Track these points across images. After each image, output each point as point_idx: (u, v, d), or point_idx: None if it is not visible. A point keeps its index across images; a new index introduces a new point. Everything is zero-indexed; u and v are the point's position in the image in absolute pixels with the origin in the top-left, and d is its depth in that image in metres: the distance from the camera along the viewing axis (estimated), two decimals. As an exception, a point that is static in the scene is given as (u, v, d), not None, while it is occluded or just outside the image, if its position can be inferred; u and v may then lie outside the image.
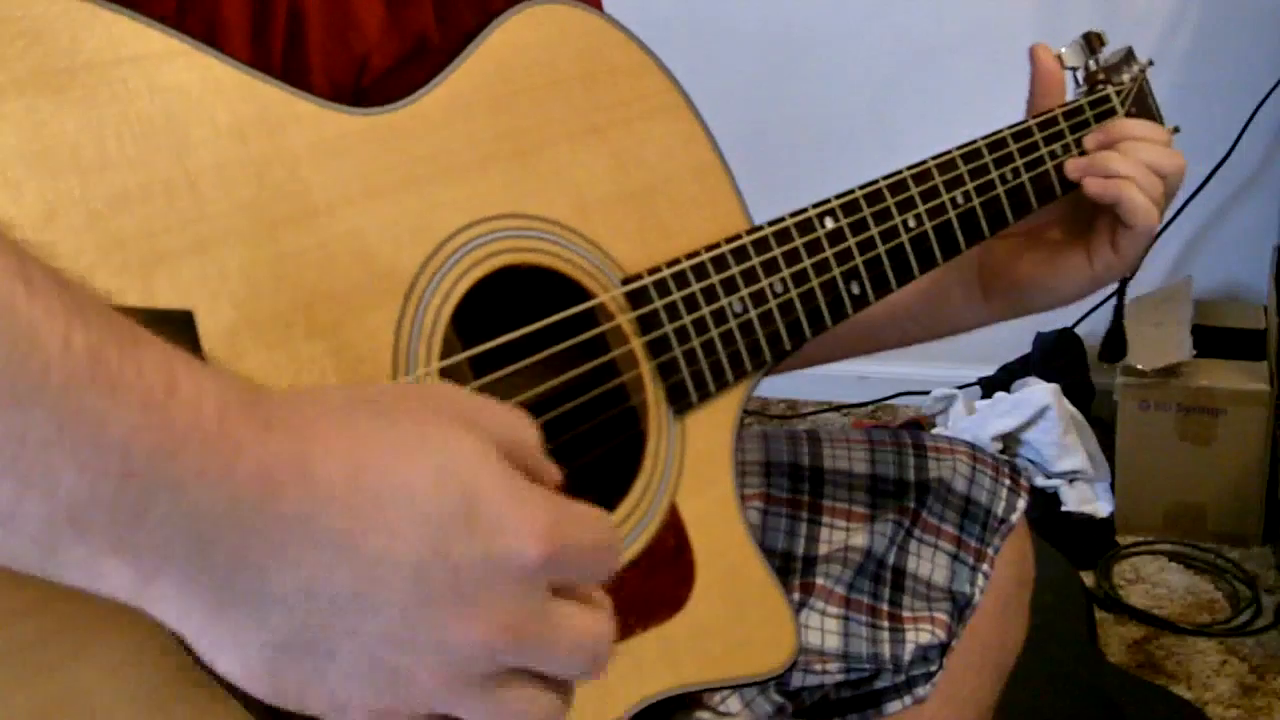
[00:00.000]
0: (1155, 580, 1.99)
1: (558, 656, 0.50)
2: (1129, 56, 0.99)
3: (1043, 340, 2.32)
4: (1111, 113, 0.96)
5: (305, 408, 0.48)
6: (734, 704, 0.87)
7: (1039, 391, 2.14)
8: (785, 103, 2.43)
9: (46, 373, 0.41)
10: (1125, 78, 0.98)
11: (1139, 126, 0.93)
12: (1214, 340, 2.07)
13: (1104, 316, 2.32)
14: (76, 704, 0.51)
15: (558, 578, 0.50)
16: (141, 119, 0.56)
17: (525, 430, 0.53)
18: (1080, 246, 0.92)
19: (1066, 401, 2.14)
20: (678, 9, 2.38)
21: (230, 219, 0.58)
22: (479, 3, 0.78)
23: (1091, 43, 0.96)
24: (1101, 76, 0.97)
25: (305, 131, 0.62)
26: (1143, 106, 0.98)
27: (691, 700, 0.83)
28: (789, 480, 0.96)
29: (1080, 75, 0.96)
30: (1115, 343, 1.13)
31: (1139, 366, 2.01)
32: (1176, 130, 0.98)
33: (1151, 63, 0.99)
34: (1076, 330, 2.32)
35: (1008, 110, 0.95)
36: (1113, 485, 2.10)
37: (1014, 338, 2.34)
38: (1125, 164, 0.90)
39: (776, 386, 2.56)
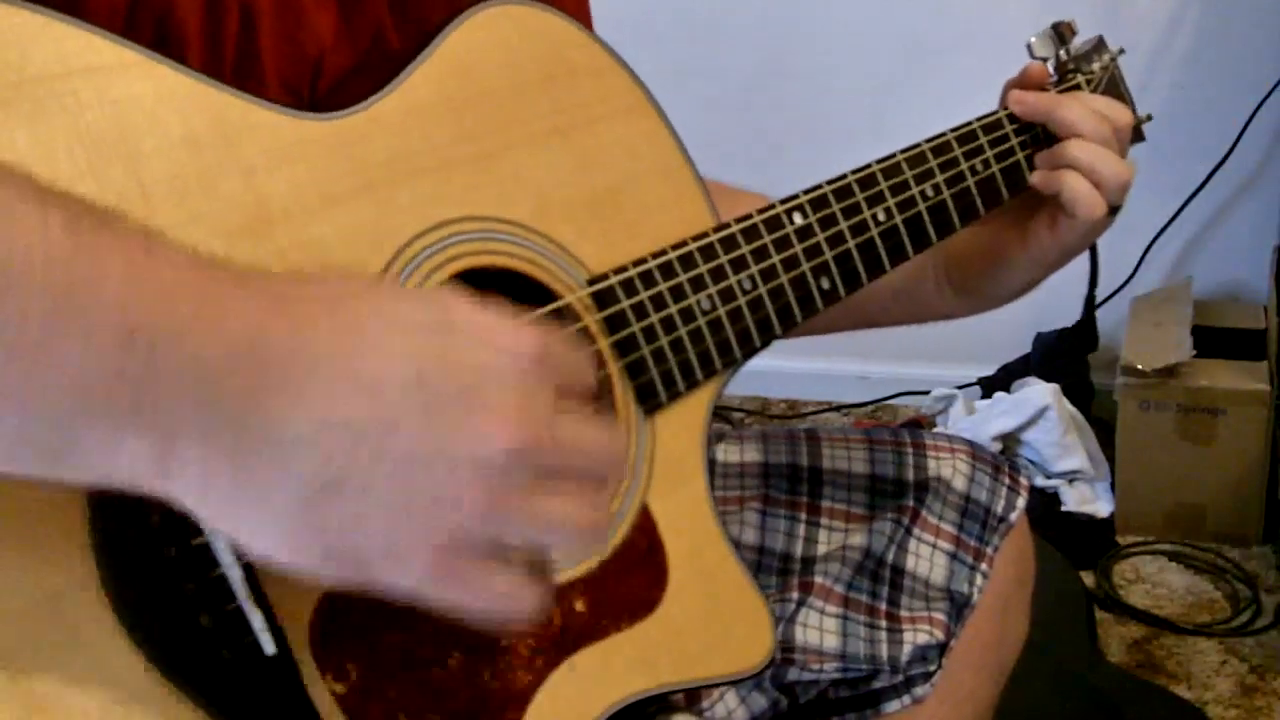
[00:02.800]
0: (1155, 580, 1.99)
1: (581, 456, 0.51)
2: (1100, 45, 0.99)
3: (1043, 340, 2.32)
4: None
5: (265, 272, 0.50)
6: (731, 700, 0.87)
7: (1039, 391, 2.14)
8: (784, 103, 2.43)
9: (30, 251, 0.43)
10: (1095, 66, 0.97)
11: (1076, 109, 0.89)
12: (1214, 340, 2.07)
13: (1104, 316, 2.33)
14: (44, 712, 0.51)
15: (557, 384, 0.51)
16: (92, 131, 0.56)
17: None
18: (1019, 234, 0.91)
19: (1066, 401, 2.14)
20: (677, 9, 2.38)
21: (184, 231, 0.57)
22: (442, 1, 0.76)
23: (1061, 32, 0.95)
24: (1071, 66, 0.97)
25: (260, 139, 0.61)
26: (1114, 95, 0.97)
27: (670, 701, 0.82)
28: (788, 482, 0.96)
29: (1051, 65, 0.96)
30: (1085, 334, 1.14)
31: (1139, 366, 2.01)
32: (1148, 119, 0.97)
33: (1122, 50, 0.99)
34: (1076, 330, 2.32)
35: (1007, 110, 0.95)
36: (1113, 485, 2.10)
37: (1014, 338, 2.34)
38: (1076, 151, 0.88)
39: (777, 386, 2.56)
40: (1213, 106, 2.17)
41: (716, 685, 0.83)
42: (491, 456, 0.48)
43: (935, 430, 2.25)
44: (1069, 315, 2.29)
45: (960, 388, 2.36)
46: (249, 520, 0.47)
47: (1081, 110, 0.89)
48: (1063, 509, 2.07)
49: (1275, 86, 2.14)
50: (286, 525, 0.46)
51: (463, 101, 0.70)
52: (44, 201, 0.44)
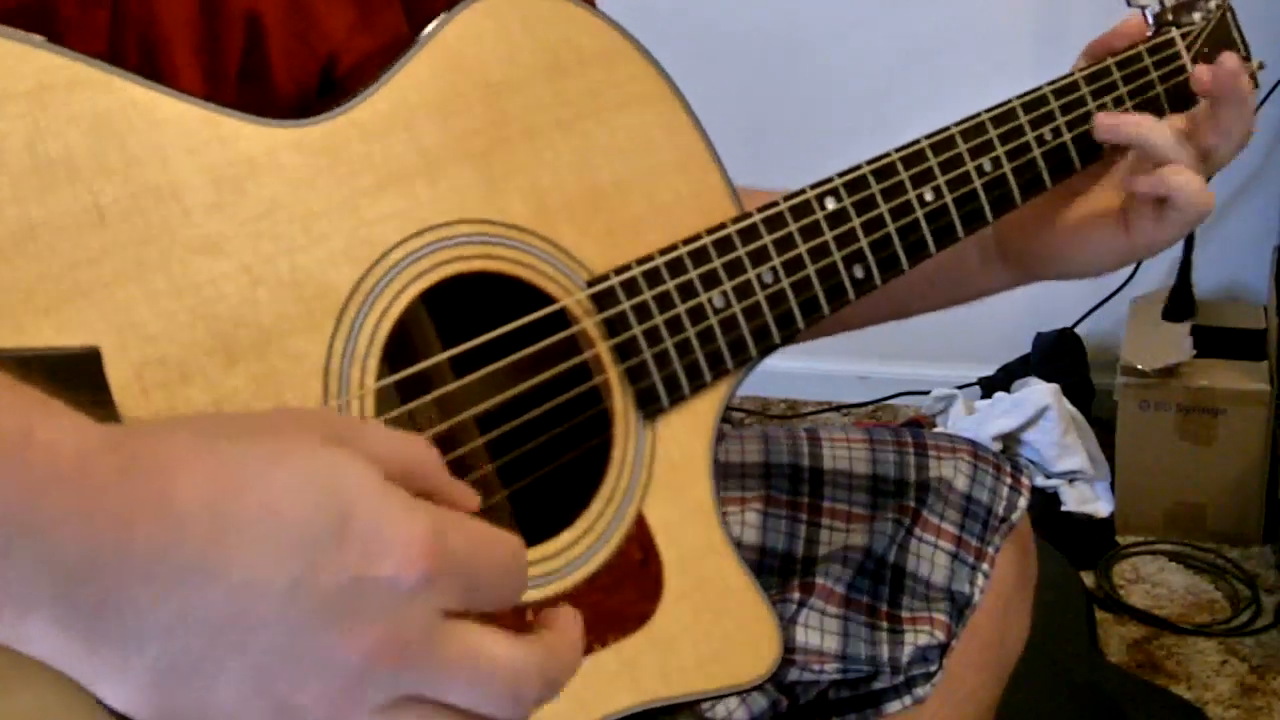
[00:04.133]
0: (1155, 580, 1.99)
1: (456, 683, 0.48)
2: None
3: (1043, 340, 2.32)
4: (1175, 58, 0.88)
5: (168, 439, 0.47)
6: (731, 700, 0.87)
7: (1039, 391, 2.14)
8: (784, 103, 2.43)
9: None
10: (1197, 15, 0.90)
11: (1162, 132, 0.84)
12: (1214, 340, 2.07)
13: (1104, 317, 2.33)
14: None
15: (452, 601, 0.48)
16: (45, 152, 0.54)
17: (420, 450, 0.50)
18: (1119, 217, 0.87)
19: (1066, 401, 2.14)
20: (676, 8, 2.38)
21: (142, 249, 0.56)
22: None
23: None
24: (1169, 18, 0.89)
25: (227, 151, 0.59)
26: (1222, 41, 0.89)
27: (669, 712, 0.82)
28: (789, 482, 0.95)
29: (1150, 14, 0.88)
30: (1182, 300, 1.07)
31: (1139, 366, 2.01)
32: (1261, 66, 0.90)
33: None
34: (1076, 330, 2.32)
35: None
36: (1113, 485, 2.10)
37: (1014, 338, 2.34)
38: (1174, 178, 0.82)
39: (777, 386, 2.56)
40: (1213, 106, 2.16)
41: (716, 698, 0.81)
42: (341, 668, 0.46)
43: (936, 430, 2.25)
44: (1069, 315, 2.29)
45: (960, 388, 2.36)
46: (98, 686, 0.46)
47: (1165, 134, 0.84)
48: (1063, 509, 2.07)
49: (1275, 86, 2.14)
50: (133, 696, 0.46)
51: (455, 98, 0.67)
52: None
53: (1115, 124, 0.84)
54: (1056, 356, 2.28)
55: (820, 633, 0.89)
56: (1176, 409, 2.01)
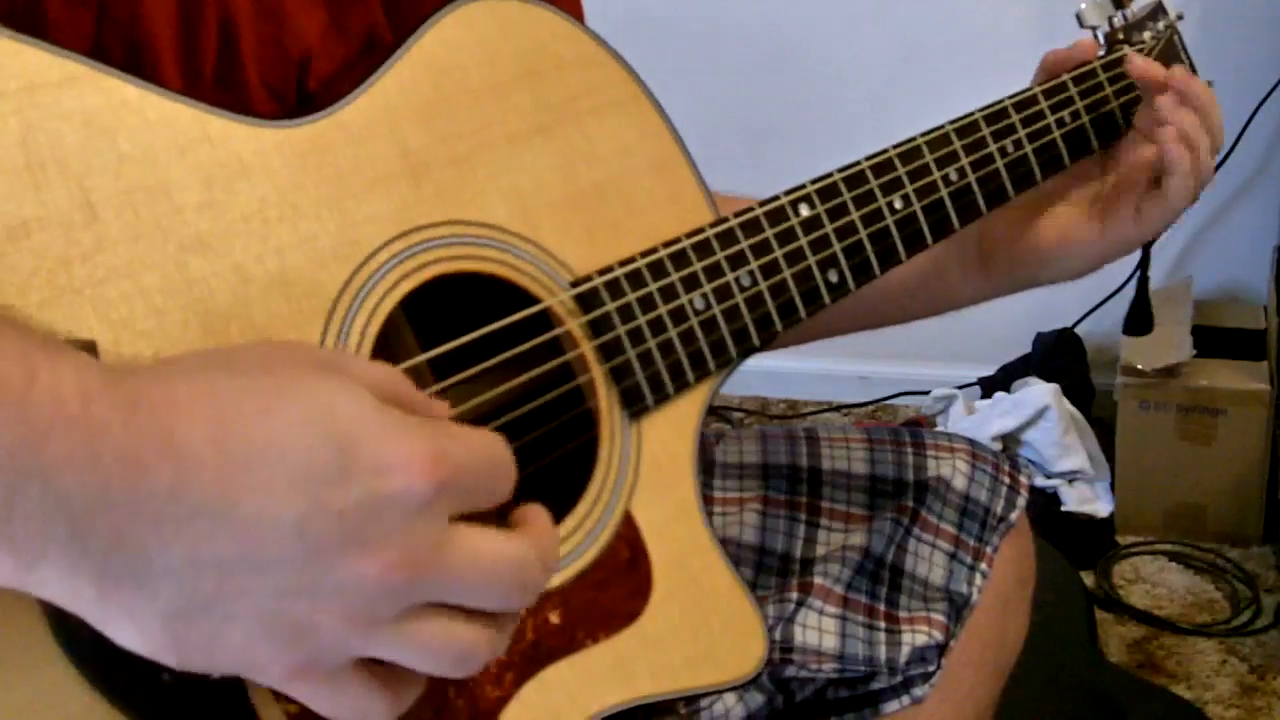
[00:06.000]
0: (1155, 580, 1.99)
1: (469, 584, 0.49)
2: (1156, 10, 0.93)
3: (1043, 340, 2.32)
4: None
5: (167, 380, 0.48)
6: (729, 698, 0.87)
7: (1039, 391, 2.14)
8: (784, 103, 2.43)
9: None
10: (1147, 35, 0.93)
11: (1195, 84, 0.86)
12: (1214, 340, 2.07)
13: (1104, 317, 2.33)
14: None
15: (455, 506, 0.49)
16: (37, 149, 0.54)
17: (394, 372, 0.52)
18: (1093, 215, 0.89)
19: (1066, 401, 2.14)
20: (676, 9, 2.38)
21: (134, 247, 0.56)
22: None
23: None
24: (1120, 36, 0.92)
25: (217, 150, 0.60)
26: (1171, 63, 0.92)
27: (660, 708, 0.82)
28: (787, 482, 0.95)
29: (1102, 34, 0.92)
30: (1141, 316, 1.10)
31: (1139, 366, 2.01)
32: (1210, 85, 0.92)
33: (1181, 16, 0.94)
34: (1076, 330, 2.32)
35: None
36: (1113, 485, 2.10)
37: (1014, 338, 2.34)
38: (1186, 118, 0.85)
39: (777, 386, 2.56)
40: (1213, 106, 2.17)
41: (703, 695, 0.81)
42: (357, 588, 0.47)
43: (935, 430, 2.25)
44: (1069, 315, 2.29)
45: (960, 388, 2.36)
46: (109, 627, 0.47)
47: (1197, 85, 0.86)
48: (1063, 509, 2.07)
49: (1275, 86, 2.14)
50: (145, 637, 0.46)
51: (437, 102, 0.68)
52: None
53: (1146, 65, 0.87)
54: (1056, 356, 2.28)
55: (818, 632, 0.89)
56: (1176, 409, 2.01)
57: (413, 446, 0.48)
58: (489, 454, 0.51)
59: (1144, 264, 1.01)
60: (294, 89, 0.70)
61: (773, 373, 2.50)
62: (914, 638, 0.89)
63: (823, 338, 0.95)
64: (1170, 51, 0.94)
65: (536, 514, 0.54)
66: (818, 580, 0.91)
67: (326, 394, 0.48)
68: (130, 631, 0.46)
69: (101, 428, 0.44)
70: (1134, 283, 2.41)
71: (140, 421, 0.45)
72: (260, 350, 0.54)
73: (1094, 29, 0.91)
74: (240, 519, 0.46)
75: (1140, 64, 0.88)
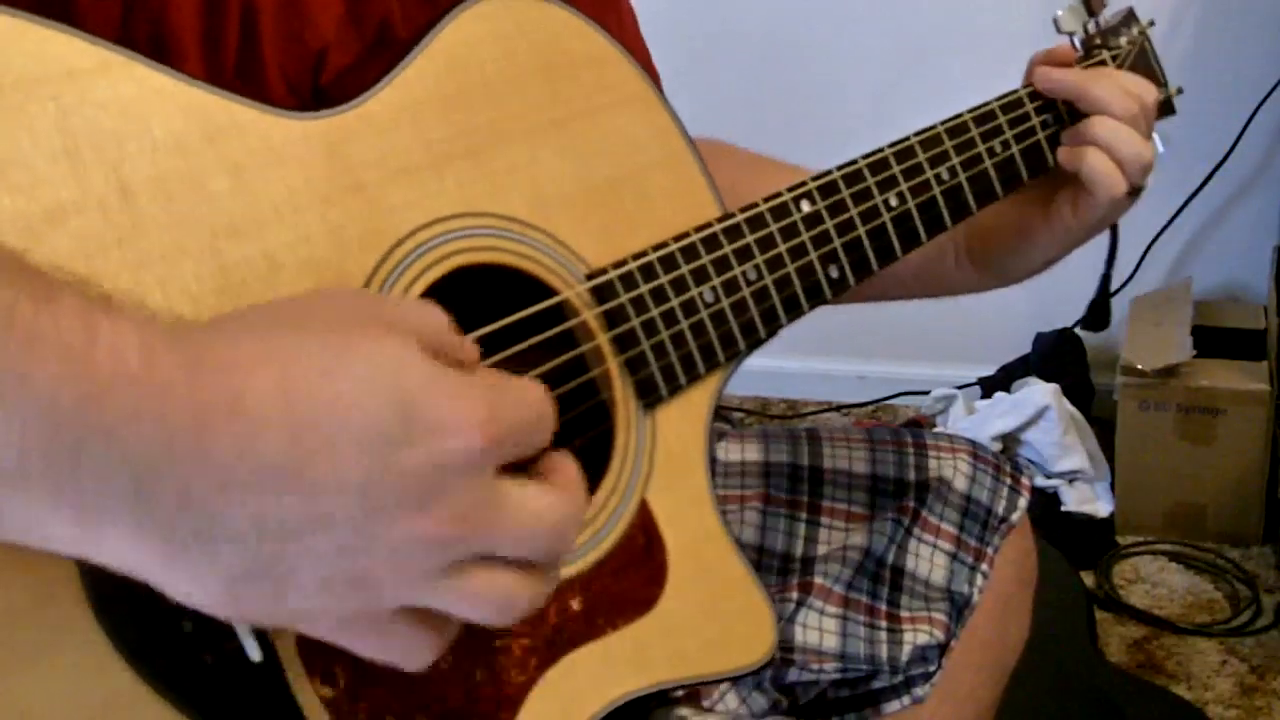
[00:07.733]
0: (1155, 580, 1.99)
1: (512, 535, 0.50)
2: (1129, 18, 0.96)
3: (1042, 340, 2.32)
4: None
5: (230, 338, 0.48)
6: (731, 700, 0.87)
7: (1039, 391, 2.14)
8: (784, 103, 2.43)
9: None
10: (1123, 41, 0.96)
11: (1105, 85, 0.89)
12: (1214, 340, 2.07)
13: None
14: (25, 717, 0.51)
15: (504, 458, 0.50)
16: (74, 135, 0.55)
17: (434, 315, 0.53)
18: (1043, 211, 0.91)
19: (1066, 401, 2.14)
20: (677, 9, 2.38)
21: (169, 233, 0.57)
22: None
23: (1090, 5, 0.93)
24: (1098, 42, 0.95)
25: (247, 139, 0.61)
26: (1144, 69, 0.95)
27: (671, 698, 0.82)
28: (788, 481, 0.96)
29: (1078, 40, 0.94)
30: (1099, 312, 1.12)
31: (1139, 366, 2.01)
32: (1179, 92, 0.95)
33: (1152, 23, 0.97)
34: (1077, 330, 2.32)
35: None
36: (1113, 485, 2.10)
37: (1014, 338, 2.34)
38: (1099, 129, 0.88)
39: (777, 386, 2.57)
40: (1212, 106, 2.17)
41: (716, 682, 0.83)
42: (413, 546, 0.48)
43: (936, 430, 2.25)
44: (1069, 315, 2.29)
45: (960, 388, 2.36)
46: (169, 587, 0.47)
47: (1110, 87, 0.88)
48: (1063, 509, 2.07)
49: (1275, 86, 2.14)
50: (205, 594, 0.47)
51: (456, 96, 0.69)
52: None
53: (1055, 75, 0.90)
54: (1056, 356, 2.28)
55: (819, 632, 0.89)
56: (1176, 409, 2.01)
57: (471, 406, 0.49)
58: (536, 409, 0.52)
59: (1110, 261, 1.03)
60: (309, 83, 0.70)
61: (773, 373, 2.50)
62: (915, 637, 0.89)
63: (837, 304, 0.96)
64: (1142, 60, 0.97)
65: (565, 463, 0.55)
66: (818, 580, 0.91)
67: (390, 358, 0.49)
68: (190, 589, 0.47)
69: (165, 386, 0.44)
70: (1133, 283, 2.41)
71: (205, 380, 0.45)
72: (322, 304, 0.54)
73: (1071, 35, 0.94)
74: (308, 481, 0.46)
75: (1042, 76, 0.90)
